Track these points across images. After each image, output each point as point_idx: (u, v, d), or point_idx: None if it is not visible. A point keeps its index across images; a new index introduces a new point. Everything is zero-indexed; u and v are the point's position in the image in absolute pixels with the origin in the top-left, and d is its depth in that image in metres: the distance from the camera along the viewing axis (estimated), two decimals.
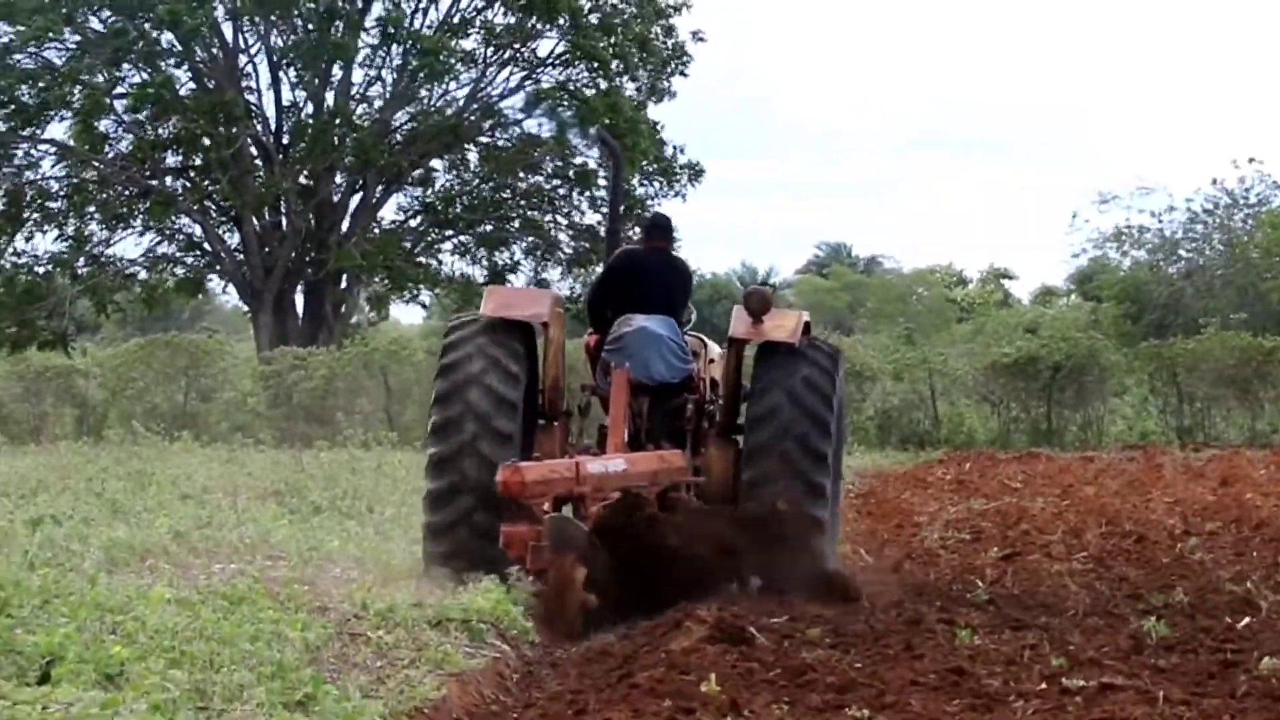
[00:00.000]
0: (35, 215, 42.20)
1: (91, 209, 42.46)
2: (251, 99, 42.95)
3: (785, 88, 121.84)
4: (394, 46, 42.47)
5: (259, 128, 42.90)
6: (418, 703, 8.13)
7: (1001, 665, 9.01)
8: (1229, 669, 8.95)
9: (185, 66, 42.43)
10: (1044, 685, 8.48)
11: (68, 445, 28.20)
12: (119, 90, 41.80)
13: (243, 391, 37.78)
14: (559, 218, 45.23)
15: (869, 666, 9.10)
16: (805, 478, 12.38)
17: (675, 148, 44.32)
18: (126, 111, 41.68)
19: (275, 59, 42.62)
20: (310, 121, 42.23)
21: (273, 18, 41.80)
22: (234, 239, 43.47)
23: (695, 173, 44.49)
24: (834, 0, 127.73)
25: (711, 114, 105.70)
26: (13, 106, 40.65)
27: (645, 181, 43.94)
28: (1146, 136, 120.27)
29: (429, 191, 44.95)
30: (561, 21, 42.88)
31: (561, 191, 44.89)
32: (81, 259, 42.35)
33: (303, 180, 43.02)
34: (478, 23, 43.24)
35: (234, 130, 41.62)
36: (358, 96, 43.22)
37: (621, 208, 23.87)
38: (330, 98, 42.62)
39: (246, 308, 44.38)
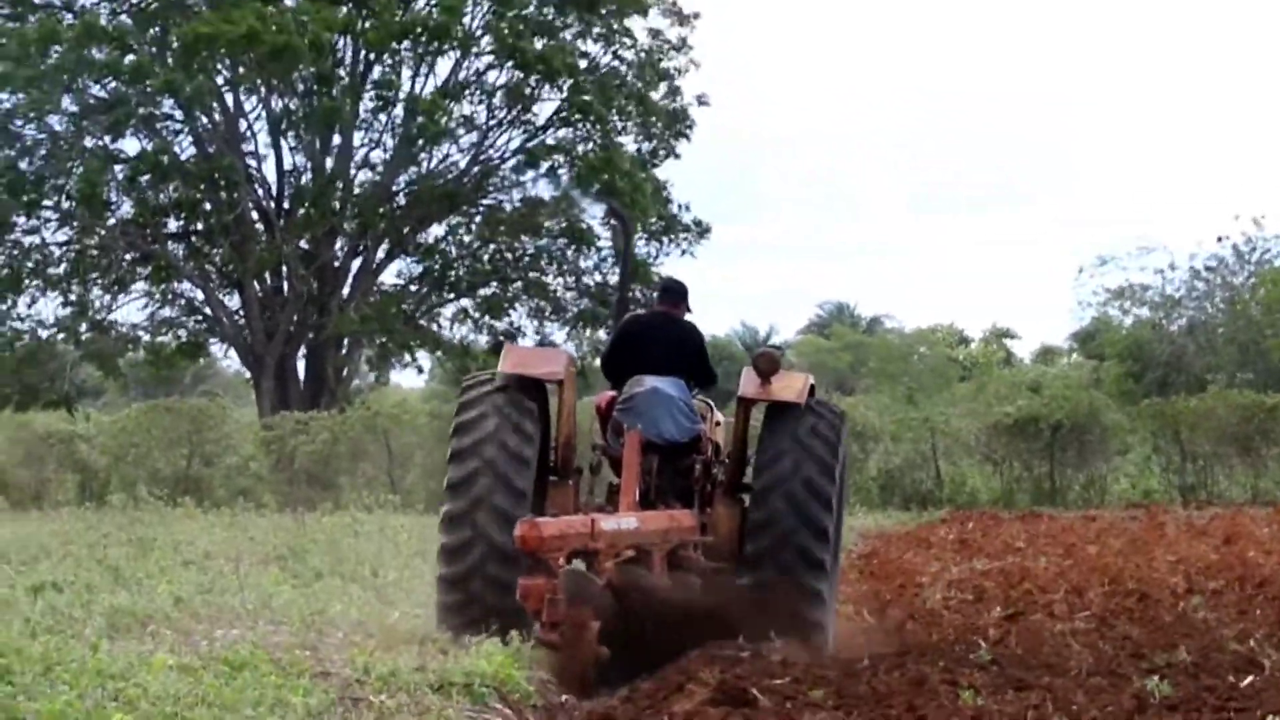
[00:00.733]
0: (38, 281, 42.27)
1: (94, 275, 42.54)
2: (252, 164, 43.16)
3: (784, 147, 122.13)
4: (391, 109, 42.65)
5: (260, 192, 43.04)
6: None
7: None
8: None
9: (186, 131, 42.61)
10: None
11: (70, 510, 28.20)
12: (119, 157, 41.93)
13: (245, 456, 37.78)
14: (563, 276, 45.22)
15: None
16: (806, 551, 12.64)
17: (681, 205, 44.54)
18: (127, 178, 41.79)
19: (275, 123, 42.80)
20: (310, 186, 42.34)
21: (274, 81, 41.96)
22: (235, 303, 43.58)
23: (701, 231, 44.57)
24: (833, 62, 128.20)
25: (710, 173, 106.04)
26: (14, 175, 40.72)
27: (648, 240, 43.90)
28: (1148, 194, 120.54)
29: (431, 255, 44.93)
30: (560, 82, 43.05)
31: (564, 249, 44.83)
32: (84, 324, 42.41)
33: (304, 245, 43.13)
34: (475, 90, 43.40)
35: (235, 195, 41.75)
36: (358, 161, 43.40)
37: (631, 275, 23.93)
38: (330, 162, 42.76)
39: (248, 372, 44.40)
